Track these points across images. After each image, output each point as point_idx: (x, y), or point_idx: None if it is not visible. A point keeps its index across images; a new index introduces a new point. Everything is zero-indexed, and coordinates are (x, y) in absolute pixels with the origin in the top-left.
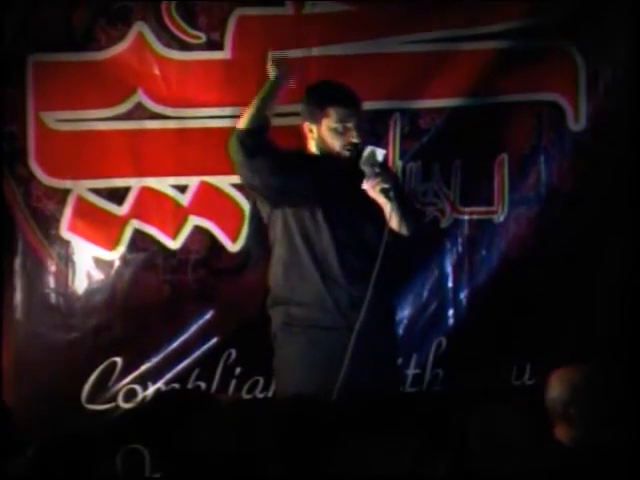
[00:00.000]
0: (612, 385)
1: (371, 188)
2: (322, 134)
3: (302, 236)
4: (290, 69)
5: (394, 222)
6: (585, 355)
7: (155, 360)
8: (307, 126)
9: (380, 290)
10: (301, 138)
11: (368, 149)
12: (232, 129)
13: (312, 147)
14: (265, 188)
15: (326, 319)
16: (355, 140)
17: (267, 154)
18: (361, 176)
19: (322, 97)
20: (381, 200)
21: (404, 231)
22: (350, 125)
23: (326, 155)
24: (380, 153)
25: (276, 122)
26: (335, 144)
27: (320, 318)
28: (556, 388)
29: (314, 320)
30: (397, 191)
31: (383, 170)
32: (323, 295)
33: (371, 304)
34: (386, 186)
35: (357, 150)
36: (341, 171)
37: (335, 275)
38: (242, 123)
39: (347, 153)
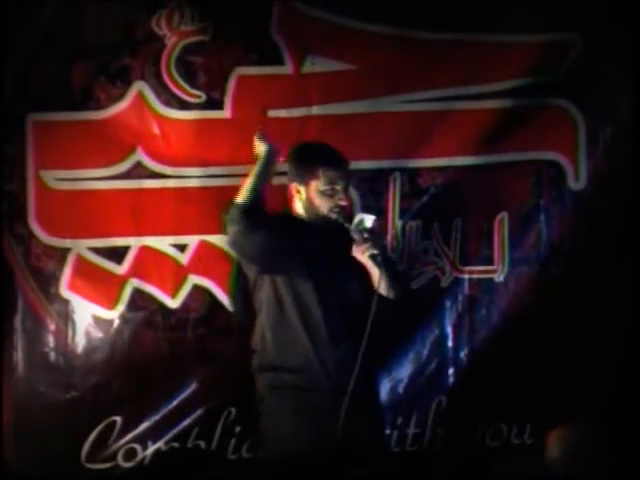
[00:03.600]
0: (612, 443)
1: (360, 253)
2: (310, 196)
3: (292, 300)
4: (275, 148)
5: (382, 287)
6: (586, 413)
7: (155, 419)
8: (294, 187)
9: (367, 354)
10: (286, 198)
11: (358, 216)
12: (230, 201)
13: (298, 208)
14: (258, 256)
15: (314, 382)
16: (342, 202)
17: (265, 226)
18: (347, 238)
19: (311, 158)
20: (369, 265)
21: (391, 295)
22: (338, 187)
23: (313, 217)
24: (369, 219)
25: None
26: (323, 206)
27: (308, 381)
28: (556, 448)
29: (303, 383)
30: (385, 256)
31: (372, 236)
32: (311, 358)
33: (361, 368)
34: (375, 252)
35: (344, 212)
36: (327, 233)
37: (322, 338)
38: (242, 197)
39: (334, 215)
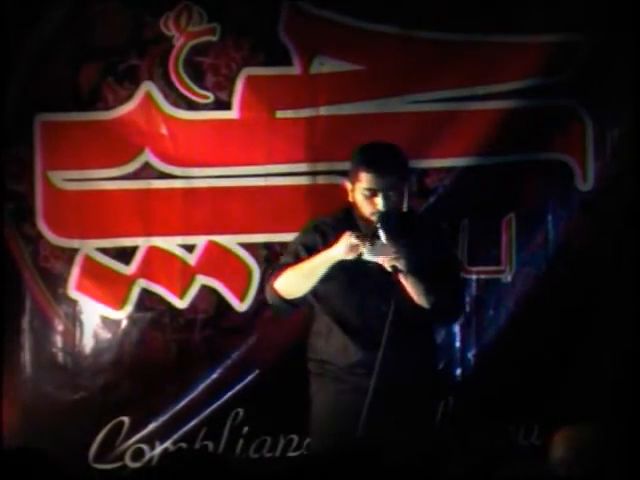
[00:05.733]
0: (616, 444)
1: (385, 263)
2: (355, 196)
3: (329, 300)
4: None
5: (413, 294)
6: (592, 414)
7: (162, 419)
8: (348, 185)
9: (406, 349)
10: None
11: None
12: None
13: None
14: None
15: (353, 379)
16: (381, 208)
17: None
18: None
19: (358, 159)
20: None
21: (424, 303)
22: (378, 192)
23: (359, 217)
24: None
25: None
26: (364, 208)
27: (348, 376)
28: (559, 448)
29: (343, 377)
30: (413, 264)
31: (389, 247)
32: (350, 358)
33: (395, 365)
34: (395, 264)
35: (386, 218)
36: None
37: (360, 339)
38: (280, 285)
39: (374, 219)
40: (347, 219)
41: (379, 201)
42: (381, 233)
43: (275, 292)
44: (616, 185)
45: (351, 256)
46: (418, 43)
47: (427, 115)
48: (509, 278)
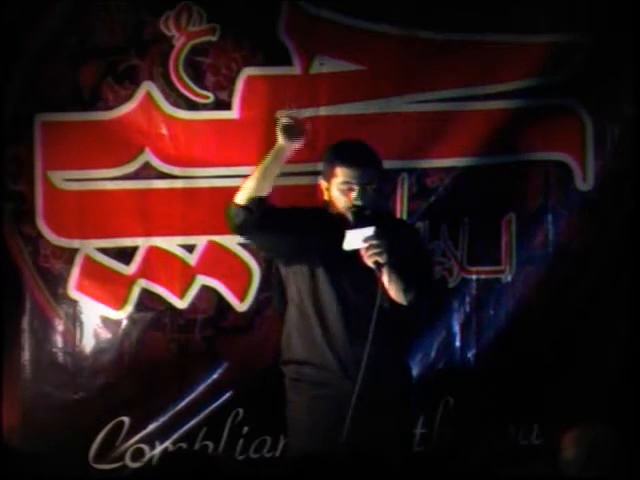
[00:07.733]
0: (626, 444)
1: (367, 260)
2: (331, 193)
3: (310, 297)
4: (299, 133)
5: (392, 291)
6: (592, 414)
7: (163, 419)
8: (323, 184)
9: (386, 349)
10: (313, 197)
11: (348, 234)
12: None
13: (328, 205)
14: (267, 252)
15: (331, 379)
16: (357, 202)
17: (261, 227)
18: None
19: (332, 156)
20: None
21: (402, 300)
22: (354, 186)
23: (335, 214)
24: (360, 233)
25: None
26: (340, 203)
27: (326, 378)
28: (571, 450)
29: (320, 379)
30: (393, 262)
31: (371, 244)
32: (328, 356)
33: (375, 364)
34: (378, 259)
35: (361, 213)
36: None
37: (339, 336)
38: (239, 197)
39: (350, 214)
40: (323, 214)
41: (355, 195)
42: (358, 227)
43: (233, 204)
44: (616, 185)
45: (294, 142)
46: (418, 43)
47: (427, 115)
48: (509, 278)
